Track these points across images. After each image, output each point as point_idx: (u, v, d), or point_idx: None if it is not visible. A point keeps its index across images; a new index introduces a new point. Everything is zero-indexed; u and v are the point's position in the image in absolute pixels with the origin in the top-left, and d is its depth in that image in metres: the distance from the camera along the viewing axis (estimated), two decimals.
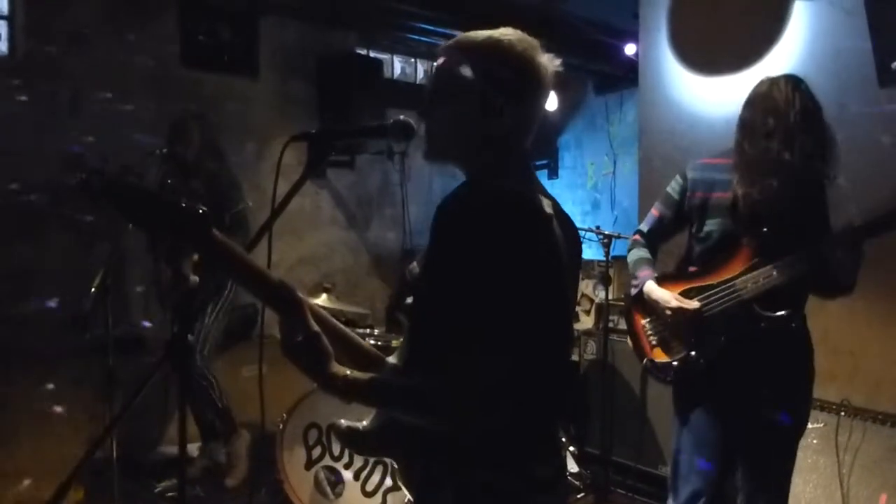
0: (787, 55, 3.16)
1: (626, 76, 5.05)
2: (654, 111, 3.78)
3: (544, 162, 6.12)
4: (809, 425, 2.31)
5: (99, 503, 3.12)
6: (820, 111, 2.17)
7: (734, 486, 2.28)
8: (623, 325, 3.30)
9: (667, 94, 3.70)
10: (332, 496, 2.99)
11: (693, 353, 2.25)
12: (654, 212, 2.46)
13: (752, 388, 2.19)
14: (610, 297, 4.07)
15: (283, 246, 4.56)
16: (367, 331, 3.62)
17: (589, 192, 5.95)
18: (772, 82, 2.20)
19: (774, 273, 2.13)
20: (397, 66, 5.43)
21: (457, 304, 1.15)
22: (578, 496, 3.66)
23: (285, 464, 2.99)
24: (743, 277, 2.18)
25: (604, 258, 3.93)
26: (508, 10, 4.21)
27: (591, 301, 4.48)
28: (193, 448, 3.68)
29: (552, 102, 4.33)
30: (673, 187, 2.39)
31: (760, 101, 2.19)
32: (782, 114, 2.12)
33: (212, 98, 4.30)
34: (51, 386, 3.49)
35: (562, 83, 1.35)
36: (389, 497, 3.00)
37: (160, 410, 3.74)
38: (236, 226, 3.43)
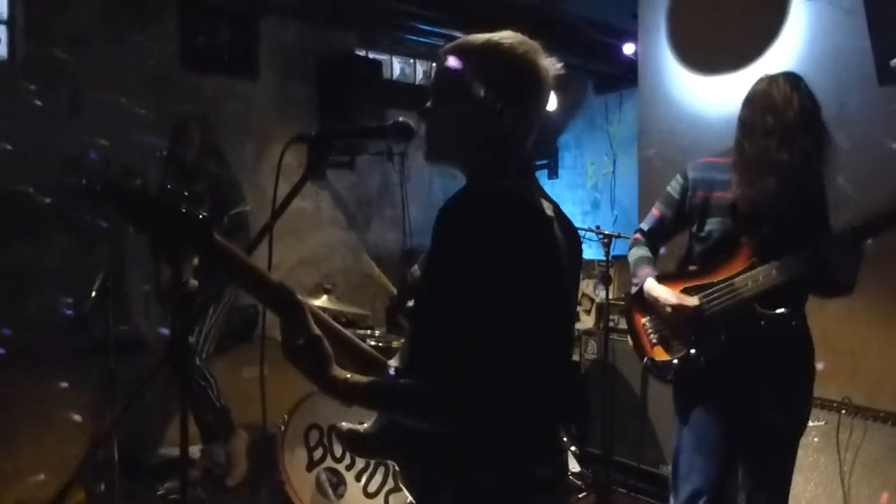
0: (786, 54, 3.16)
1: (626, 76, 5.05)
2: (653, 111, 3.78)
3: (544, 162, 6.12)
4: (810, 423, 2.31)
5: None
6: (819, 110, 2.16)
7: (735, 484, 2.28)
8: (623, 325, 3.30)
9: (666, 94, 3.70)
10: (333, 498, 2.99)
11: (693, 351, 2.25)
12: (654, 211, 2.46)
13: (753, 386, 2.19)
14: (610, 296, 4.07)
15: (284, 247, 4.56)
16: (368, 332, 3.62)
17: (589, 191, 5.95)
18: (770, 80, 2.20)
19: (774, 272, 2.13)
20: (396, 66, 5.44)
21: (458, 306, 1.15)
22: (580, 496, 3.66)
23: (286, 465, 2.99)
24: (743, 276, 2.18)
25: (604, 258, 3.93)
26: (508, 11, 4.21)
27: (592, 301, 4.48)
28: (195, 450, 3.68)
29: (552, 103, 4.32)
30: (673, 187, 2.39)
31: (759, 100, 2.19)
32: (781, 112, 2.12)
33: (212, 99, 4.30)
34: (51, 386, 3.49)
35: (562, 83, 1.35)
36: (391, 498, 3.00)
37: (161, 411, 3.74)
38: (236, 228, 3.43)
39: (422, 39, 4.75)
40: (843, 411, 2.90)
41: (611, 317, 3.99)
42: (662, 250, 2.53)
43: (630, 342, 2.51)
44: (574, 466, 3.78)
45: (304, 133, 1.36)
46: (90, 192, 1.15)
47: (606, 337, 3.93)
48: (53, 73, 3.78)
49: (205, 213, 1.17)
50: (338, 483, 3.01)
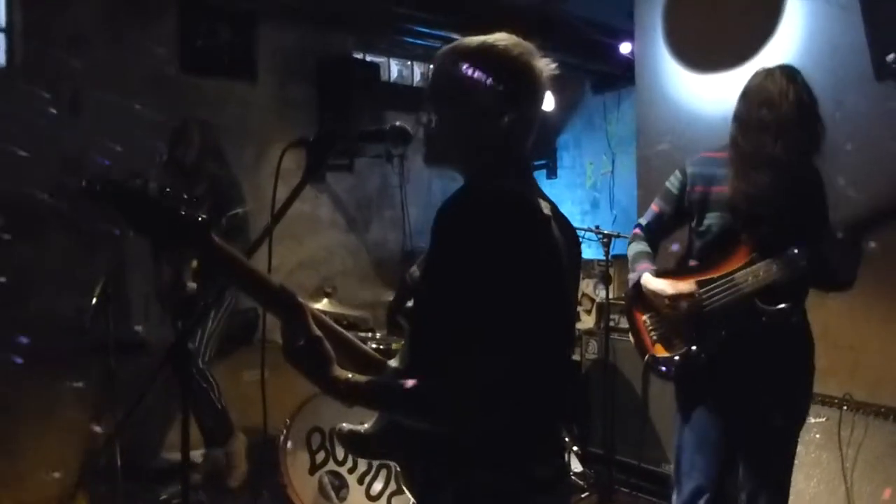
0: (783, 51, 3.16)
1: (624, 75, 5.05)
2: (651, 110, 3.79)
3: (543, 162, 6.12)
4: (812, 420, 2.32)
5: None
6: (815, 103, 2.17)
7: (736, 482, 2.29)
8: (624, 324, 3.31)
9: (664, 93, 3.70)
10: (336, 501, 2.99)
11: (694, 347, 2.25)
12: (653, 207, 2.46)
13: (753, 382, 2.19)
14: (610, 296, 4.07)
15: (284, 250, 4.56)
16: (369, 334, 3.63)
17: (588, 191, 5.95)
18: (767, 73, 2.20)
19: (775, 267, 2.14)
20: (394, 69, 5.44)
21: (457, 306, 1.15)
22: (583, 496, 3.66)
23: (289, 468, 2.99)
24: (743, 272, 2.18)
25: (604, 257, 3.93)
26: (505, 12, 4.22)
27: (592, 300, 4.48)
28: (196, 454, 3.68)
29: (550, 103, 4.33)
30: (672, 182, 2.39)
31: (755, 94, 2.19)
32: (777, 105, 2.12)
33: (211, 102, 4.31)
34: (52, 388, 3.49)
35: (559, 83, 1.36)
36: (394, 501, 3.00)
37: (163, 416, 3.74)
38: (235, 230, 3.42)
39: (419, 42, 4.76)
40: (845, 408, 2.90)
41: (611, 316, 3.99)
42: (675, 246, 2.52)
43: (632, 340, 2.51)
44: (576, 466, 3.78)
45: (302, 138, 1.36)
46: (90, 193, 1.15)
47: (607, 337, 3.93)
48: (53, 75, 3.78)
49: (204, 216, 1.17)
50: (340, 486, 3.02)
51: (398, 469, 1.38)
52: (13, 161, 3.52)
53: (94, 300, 3.03)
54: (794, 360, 2.23)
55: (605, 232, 3.92)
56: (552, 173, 6.18)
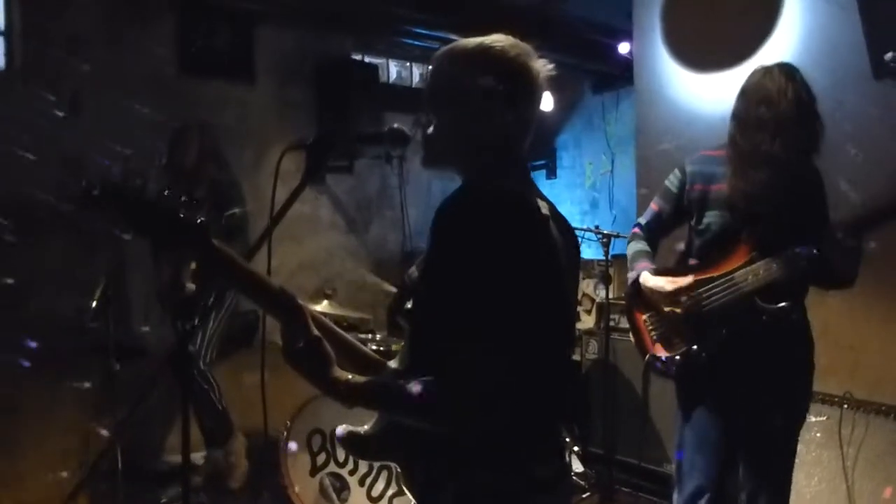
0: (781, 50, 3.16)
1: (623, 75, 5.05)
2: (650, 109, 3.79)
3: (542, 162, 6.12)
4: (813, 418, 2.32)
5: None
6: (814, 101, 2.17)
7: (736, 481, 2.29)
8: (624, 324, 3.30)
9: (662, 92, 3.71)
10: (337, 502, 2.99)
11: (694, 346, 2.25)
12: (653, 206, 2.46)
13: (753, 381, 2.19)
14: (610, 296, 4.07)
15: (283, 252, 4.56)
16: (369, 335, 3.63)
17: (587, 191, 5.95)
18: (765, 71, 2.20)
19: (775, 266, 2.13)
20: (393, 70, 5.44)
21: (456, 306, 1.16)
22: (584, 496, 3.66)
23: (290, 470, 2.99)
24: (743, 270, 2.18)
25: (603, 257, 3.93)
26: (504, 13, 4.22)
27: (592, 300, 4.48)
28: (197, 457, 3.68)
29: (549, 103, 4.33)
30: (671, 181, 2.39)
31: (753, 92, 2.19)
32: (775, 103, 2.12)
33: (210, 103, 4.31)
34: (53, 390, 3.50)
35: (558, 83, 1.36)
36: (395, 502, 3.00)
37: (164, 417, 3.75)
38: (234, 230, 3.42)
39: (417, 43, 4.76)
40: (845, 406, 2.90)
41: (611, 316, 3.99)
42: (681, 246, 2.51)
43: (632, 339, 2.51)
44: (577, 466, 3.78)
45: (300, 141, 1.37)
46: (89, 196, 1.16)
47: (607, 336, 3.93)
48: (52, 77, 3.78)
49: (203, 219, 1.18)
50: (341, 488, 3.02)
51: (399, 470, 1.38)
52: (13, 162, 3.53)
53: (95, 301, 3.03)
54: (794, 359, 2.23)
55: (605, 232, 3.92)
56: (551, 173, 6.18)
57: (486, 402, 1.13)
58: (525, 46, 1.32)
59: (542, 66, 1.32)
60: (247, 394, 3.59)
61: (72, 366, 3.42)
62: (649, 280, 2.31)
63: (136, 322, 4.02)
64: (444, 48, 1.35)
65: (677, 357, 2.30)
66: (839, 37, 2.97)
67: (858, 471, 2.84)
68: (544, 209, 1.26)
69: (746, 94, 2.21)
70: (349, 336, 1.41)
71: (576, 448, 3.87)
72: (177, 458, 3.59)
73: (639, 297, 2.40)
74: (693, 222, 2.34)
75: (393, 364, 1.39)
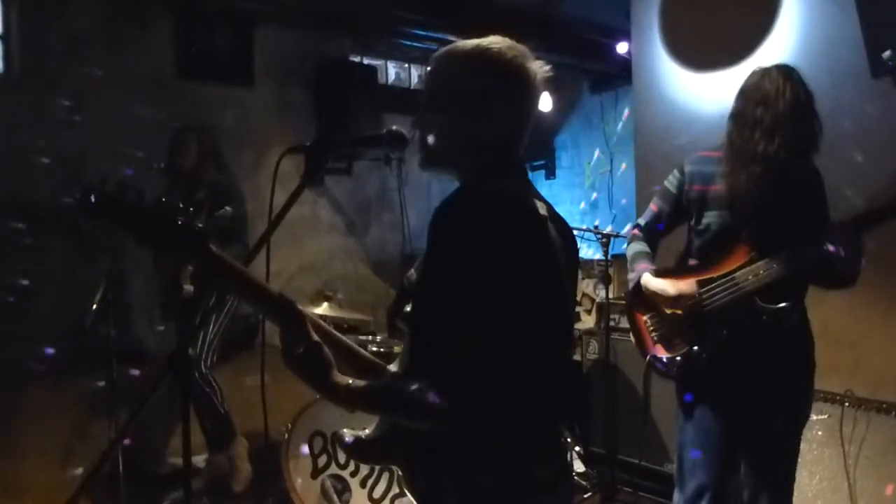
0: (779, 49, 3.17)
1: (621, 74, 5.05)
2: (648, 109, 3.79)
3: (541, 162, 6.12)
4: (814, 417, 2.32)
5: None
6: (812, 101, 2.17)
7: (738, 480, 2.29)
8: (624, 324, 3.30)
9: (661, 92, 3.71)
10: None
11: (695, 347, 2.25)
12: (652, 206, 2.47)
13: (754, 381, 2.19)
14: (610, 295, 4.07)
15: (283, 254, 4.57)
16: (369, 337, 3.63)
17: (587, 191, 5.95)
18: (764, 72, 2.22)
19: (775, 266, 2.14)
20: (392, 71, 5.44)
21: (455, 308, 1.16)
22: (585, 496, 3.66)
23: (291, 472, 2.99)
24: (743, 270, 2.18)
25: (603, 257, 3.94)
26: (502, 14, 4.22)
27: (592, 300, 4.48)
28: (199, 460, 3.68)
29: (547, 103, 4.34)
30: (671, 181, 2.40)
31: (751, 92, 2.20)
32: (771, 103, 2.13)
33: (209, 106, 4.31)
34: (54, 396, 3.50)
35: (557, 83, 1.36)
36: (396, 503, 3.00)
37: (166, 421, 3.75)
38: (227, 230, 3.38)
39: (416, 44, 4.76)
40: (846, 404, 2.90)
41: (611, 316, 3.99)
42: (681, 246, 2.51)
43: (632, 340, 2.51)
44: (578, 466, 3.78)
45: (298, 145, 1.37)
46: (86, 205, 1.16)
47: (608, 336, 3.93)
48: (51, 80, 3.79)
49: (201, 225, 1.18)
50: (343, 489, 3.01)
51: (400, 472, 1.38)
52: (13, 164, 3.53)
53: (95, 304, 3.03)
54: (795, 359, 2.23)
55: (605, 232, 3.93)
56: (550, 173, 6.18)
57: (486, 403, 1.13)
58: (522, 48, 1.32)
59: (540, 68, 1.33)
60: (247, 396, 3.59)
61: (73, 368, 3.42)
62: (651, 282, 2.31)
63: (137, 324, 4.02)
64: (442, 50, 1.35)
65: (678, 358, 2.30)
66: (837, 36, 2.98)
67: (860, 469, 2.84)
68: (542, 210, 1.26)
69: (744, 94, 2.22)
70: (348, 340, 1.41)
71: (577, 448, 3.87)
72: (179, 461, 3.59)
73: (639, 297, 2.40)
74: (692, 222, 2.34)
75: (393, 367, 1.39)
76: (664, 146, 3.58)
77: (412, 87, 5.48)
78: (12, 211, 3.51)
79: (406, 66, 5.49)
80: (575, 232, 1.42)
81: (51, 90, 3.76)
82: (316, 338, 1.23)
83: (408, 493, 1.36)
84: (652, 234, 2.46)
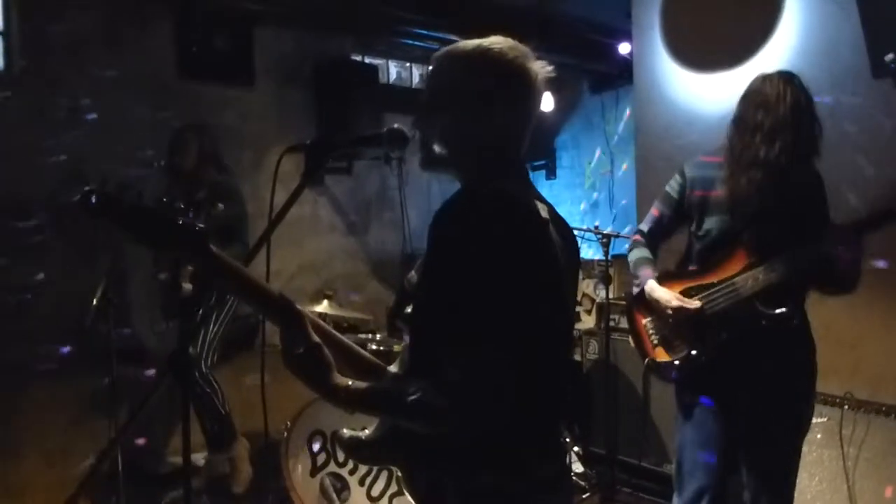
0: (781, 50, 3.16)
1: (622, 74, 5.05)
2: (649, 109, 3.79)
3: (542, 162, 6.12)
4: (814, 419, 2.31)
5: None
6: (812, 105, 2.17)
7: (738, 482, 2.29)
8: (624, 324, 3.30)
9: (662, 92, 3.70)
10: (337, 502, 2.99)
11: (694, 351, 2.25)
12: (653, 211, 2.47)
13: (754, 383, 2.19)
14: (610, 296, 4.07)
15: (283, 254, 4.56)
16: (369, 336, 3.63)
17: (587, 191, 5.95)
18: (765, 78, 2.22)
19: (774, 270, 2.14)
20: (393, 70, 5.44)
21: (456, 309, 1.16)
22: (584, 496, 3.66)
23: (291, 471, 2.99)
24: (743, 275, 2.18)
25: (603, 258, 3.93)
26: (503, 13, 4.22)
27: (592, 301, 4.48)
28: (199, 458, 3.68)
29: (548, 103, 4.34)
30: (672, 186, 2.40)
31: (752, 97, 2.21)
32: (772, 108, 2.13)
33: (209, 106, 4.31)
34: (54, 396, 3.50)
35: (558, 83, 1.36)
36: (395, 502, 3.00)
37: (166, 420, 3.75)
38: (224, 228, 3.37)
39: (417, 44, 4.76)
40: (846, 406, 2.90)
41: (611, 316, 3.98)
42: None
43: (632, 342, 2.51)
44: (578, 467, 3.78)
45: (298, 144, 1.37)
46: (86, 205, 1.16)
47: (608, 337, 3.93)
48: (51, 80, 3.78)
49: (201, 225, 1.18)
50: (341, 488, 3.02)
51: (399, 472, 1.38)
52: (12, 165, 3.53)
53: (95, 303, 3.03)
54: (795, 362, 2.23)
55: (605, 232, 3.92)
56: (551, 174, 6.18)
57: (487, 404, 1.13)
58: (524, 48, 1.32)
59: (541, 68, 1.33)
60: (247, 396, 3.59)
61: (73, 368, 3.42)
62: (655, 291, 2.32)
63: (137, 323, 4.02)
64: (443, 50, 1.35)
65: (676, 361, 2.30)
66: (839, 37, 2.97)
67: (859, 471, 2.84)
68: (543, 211, 1.26)
69: (746, 99, 2.23)
70: (349, 340, 1.41)
71: (576, 448, 3.87)
72: (178, 460, 3.59)
73: (641, 302, 2.40)
74: (693, 227, 2.34)
75: (393, 368, 1.39)
76: (665, 147, 3.58)
77: (413, 87, 5.48)
78: (12, 210, 3.51)
79: (407, 65, 5.49)
80: (575, 232, 1.42)
81: (51, 89, 3.76)
82: (316, 338, 1.22)
83: (406, 493, 1.36)
84: (654, 238, 2.46)
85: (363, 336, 3.56)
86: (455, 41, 1.35)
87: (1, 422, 3.36)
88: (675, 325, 2.30)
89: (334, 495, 3.00)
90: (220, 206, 3.43)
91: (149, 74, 4.09)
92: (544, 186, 5.99)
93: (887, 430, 2.80)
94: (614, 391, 3.86)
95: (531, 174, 1.49)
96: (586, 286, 4.51)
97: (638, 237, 2.48)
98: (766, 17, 3.23)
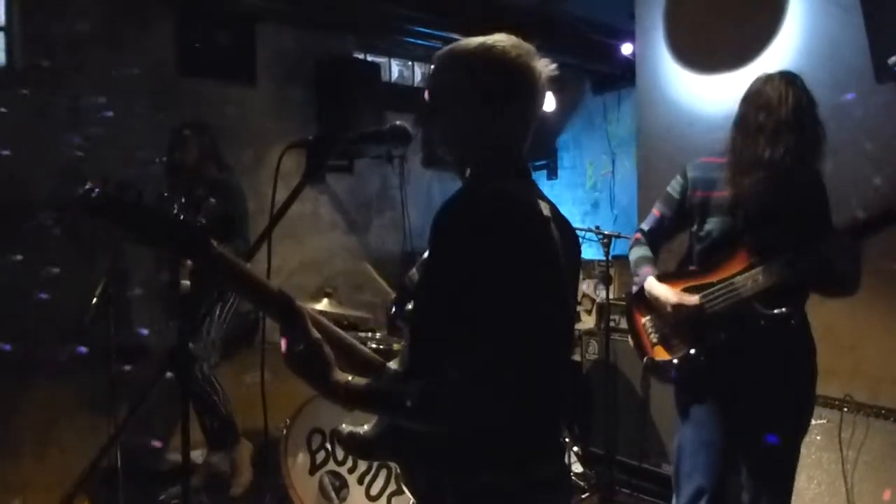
0: (783, 52, 3.16)
1: (624, 75, 5.05)
2: (651, 110, 3.79)
3: (543, 162, 6.12)
4: (813, 421, 2.31)
5: None
6: (814, 106, 2.17)
7: (737, 482, 2.28)
8: (625, 325, 3.30)
9: (664, 93, 3.70)
10: (336, 501, 2.99)
11: (693, 350, 2.25)
12: (655, 211, 2.47)
13: (753, 386, 2.19)
14: (611, 296, 4.07)
15: (284, 251, 4.57)
16: (369, 334, 3.63)
17: (588, 191, 5.95)
18: (767, 79, 2.22)
19: (774, 271, 2.13)
20: (395, 69, 5.44)
21: (456, 308, 1.16)
22: (583, 496, 3.66)
23: (290, 469, 2.99)
24: (743, 276, 2.18)
25: (604, 258, 3.93)
26: (505, 13, 4.22)
27: (593, 301, 4.48)
28: (198, 455, 3.68)
29: (550, 103, 4.33)
30: (673, 187, 2.40)
31: (754, 98, 2.20)
32: (774, 109, 2.13)
33: (210, 104, 4.31)
34: (54, 395, 3.50)
35: (560, 83, 1.36)
36: (394, 501, 3.00)
37: (165, 418, 3.74)
38: (220, 224, 3.36)
39: (419, 42, 4.76)
40: (845, 409, 2.89)
41: (612, 317, 3.98)
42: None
43: (631, 342, 2.51)
44: (577, 467, 3.78)
45: (300, 139, 1.37)
46: (86, 205, 1.15)
47: (608, 337, 3.93)
48: (52, 77, 3.78)
49: (202, 221, 1.17)
50: (341, 486, 3.02)
51: (398, 469, 1.38)
52: (13, 162, 3.53)
53: (95, 301, 3.03)
54: (794, 364, 2.23)
55: (606, 232, 3.92)
56: (552, 174, 6.18)
57: (487, 403, 1.13)
58: (527, 46, 1.32)
59: (544, 67, 1.32)
60: (247, 393, 3.59)
61: (72, 367, 3.41)
62: (655, 288, 2.32)
63: (137, 321, 4.02)
64: (446, 48, 1.35)
65: (675, 361, 2.30)
66: (842, 39, 2.97)
67: (858, 473, 2.84)
68: (545, 210, 1.26)
69: (747, 100, 2.23)
70: (349, 337, 1.41)
71: (575, 448, 3.87)
72: (178, 458, 3.59)
73: (641, 300, 2.40)
74: (694, 228, 2.34)
75: (393, 365, 1.39)
76: (667, 147, 3.58)
77: (415, 86, 5.48)
78: (12, 210, 3.50)
79: (409, 63, 5.50)
80: (577, 232, 1.42)
81: (52, 87, 3.76)
82: (316, 336, 1.22)
83: (406, 491, 1.36)
84: (655, 238, 2.46)
85: (363, 334, 3.56)
86: (458, 40, 1.34)
87: (1, 421, 3.36)
88: (674, 324, 2.30)
89: (333, 493, 3.00)
90: (212, 200, 3.42)
91: (150, 72, 4.09)
92: (545, 187, 5.99)
93: (886, 433, 2.80)
94: (614, 391, 3.86)
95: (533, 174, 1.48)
96: (587, 286, 4.51)
97: (639, 236, 2.48)
98: (770, 19, 3.23)
